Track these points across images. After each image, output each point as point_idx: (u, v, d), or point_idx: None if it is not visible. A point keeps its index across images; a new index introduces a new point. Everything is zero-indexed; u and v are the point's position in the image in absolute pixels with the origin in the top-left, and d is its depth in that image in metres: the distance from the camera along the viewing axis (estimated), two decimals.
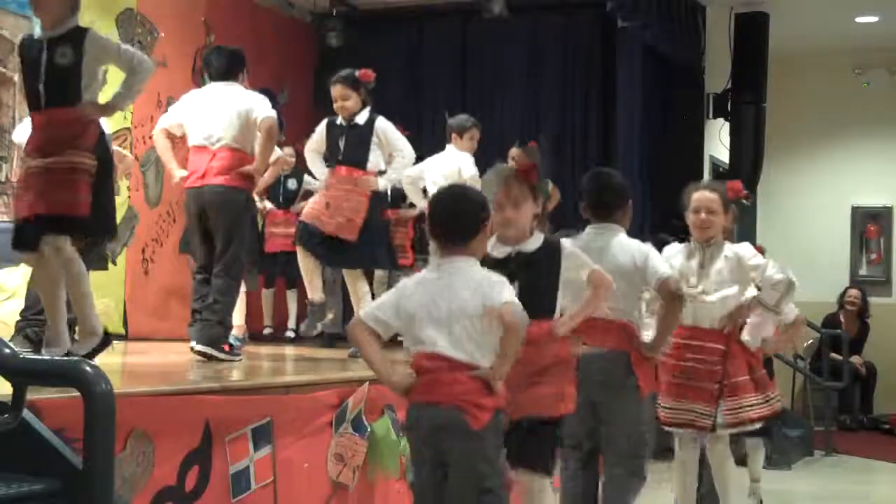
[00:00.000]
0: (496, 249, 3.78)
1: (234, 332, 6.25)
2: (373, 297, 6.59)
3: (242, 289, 6.42)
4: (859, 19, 10.45)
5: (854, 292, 11.26)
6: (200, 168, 5.83)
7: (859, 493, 7.59)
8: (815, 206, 11.74)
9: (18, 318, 5.37)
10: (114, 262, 7.61)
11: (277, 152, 6.88)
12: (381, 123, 6.30)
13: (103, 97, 4.73)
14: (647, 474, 4.37)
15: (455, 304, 3.36)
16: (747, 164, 10.00)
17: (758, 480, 6.46)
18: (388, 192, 7.19)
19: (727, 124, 10.25)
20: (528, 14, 9.61)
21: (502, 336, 3.36)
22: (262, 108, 5.85)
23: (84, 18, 4.81)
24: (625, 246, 4.35)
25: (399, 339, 3.55)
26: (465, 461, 3.33)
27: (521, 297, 3.43)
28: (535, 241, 3.83)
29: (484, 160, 6.51)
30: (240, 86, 6.01)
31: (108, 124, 5.34)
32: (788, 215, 11.73)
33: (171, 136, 6.05)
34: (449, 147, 7.42)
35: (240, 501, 4.01)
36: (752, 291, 5.04)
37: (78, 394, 2.88)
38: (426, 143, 7.82)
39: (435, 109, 9.04)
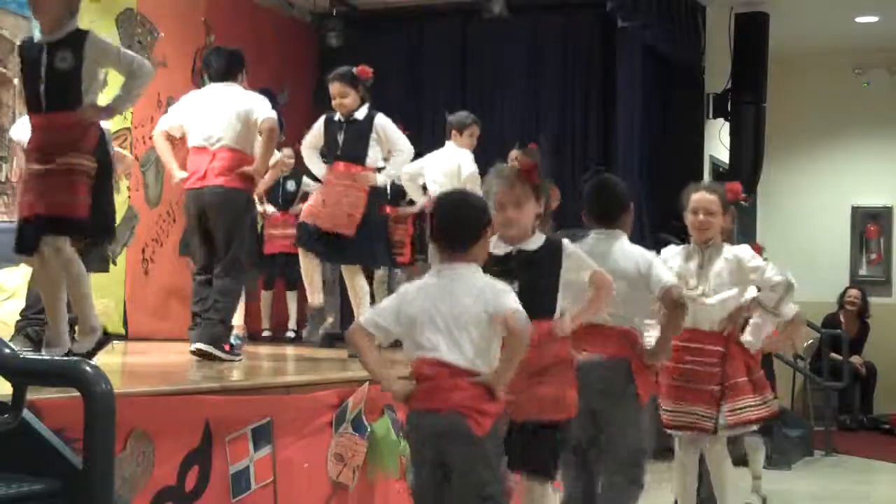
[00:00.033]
0: (497, 247, 3.77)
1: (233, 331, 6.25)
2: (372, 297, 6.60)
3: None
4: (859, 19, 10.45)
5: (854, 292, 11.26)
6: (200, 169, 5.82)
7: (859, 493, 7.58)
8: (815, 206, 11.74)
9: (19, 317, 5.37)
10: (114, 263, 7.61)
11: (276, 154, 6.87)
12: (381, 120, 6.29)
13: (104, 99, 4.73)
14: (645, 482, 4.36)
15: (456, 311, 3.34)
16: (747, 164, 10.01)
17: (759, 478, 6.47)
18: (388, 189, 7.19)
19: (727, 124, 10.24)
20: (528, 14, 9.60)
21: (505, 343, 3.34)
22: (262, 109, 5.84)
23: (84, 19, 4.81)
24: (628, 252, 4.32)
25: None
26: (466, 467, 3.32)
27: (521, 296, 3.42)
28: (536, 241, 3.82)
29: (484, 160, 6.50)
30: (239, 86, 5.99)
31: (109, 124, 5.34)
32: (788, 215, 11.73)
33: (170, 138, 6.03)
34: (448, 143, 7.38)
35: (240, 501, 4.01)
36: (751, 292, 5.03)
37: (78, 394, 2.87)
38: (426, 143, 7.80)
39: (435, 109, 9.03)
